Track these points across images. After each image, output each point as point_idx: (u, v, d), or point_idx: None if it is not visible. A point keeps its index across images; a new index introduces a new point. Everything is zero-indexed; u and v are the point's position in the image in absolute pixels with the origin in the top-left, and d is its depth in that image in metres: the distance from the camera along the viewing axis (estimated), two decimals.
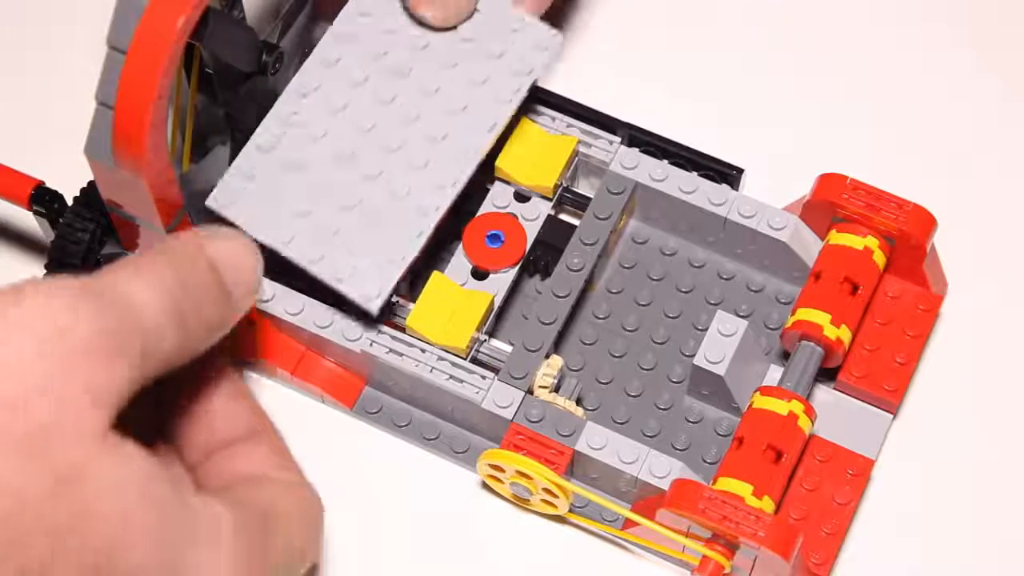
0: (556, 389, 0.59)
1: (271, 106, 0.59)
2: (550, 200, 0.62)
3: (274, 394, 0.62)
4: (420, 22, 0.59)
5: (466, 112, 0.59)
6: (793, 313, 0.59)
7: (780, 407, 0.56)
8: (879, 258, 0.59)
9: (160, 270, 0.47)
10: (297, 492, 0.51)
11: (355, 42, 0.59)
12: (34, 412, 0.43)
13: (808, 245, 0.61)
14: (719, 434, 0.60)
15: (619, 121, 0.63)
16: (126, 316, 0.45)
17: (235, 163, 0.58)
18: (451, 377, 0.58)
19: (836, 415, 0.60)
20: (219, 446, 0.52)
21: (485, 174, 0.63)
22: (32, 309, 0.43)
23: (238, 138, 0.58)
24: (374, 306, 0.56)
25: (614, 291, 0.63)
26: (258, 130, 0.58)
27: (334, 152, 0.58)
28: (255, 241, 0.51)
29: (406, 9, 0.60)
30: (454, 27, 0.59)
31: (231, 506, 0.48)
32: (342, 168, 0.58)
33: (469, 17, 0.60)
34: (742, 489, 0.55)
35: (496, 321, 0.60)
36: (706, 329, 0.61)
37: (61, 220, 0.58)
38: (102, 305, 0.45)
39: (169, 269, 0.47)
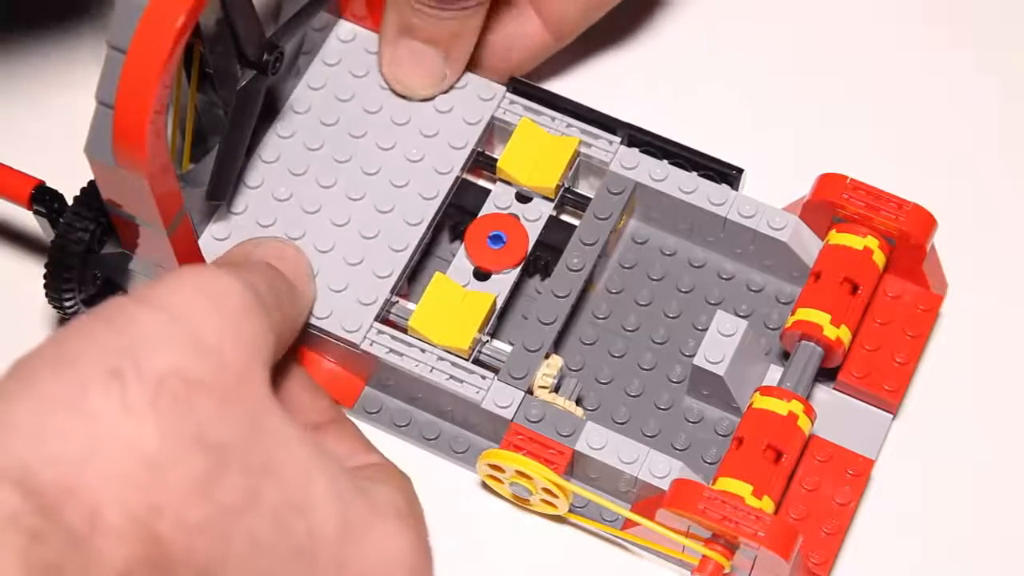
0: (556, 389, 0.59)
1: (267, 107, 0.60)
2: (552, 201, 0.62)
3: None
4: (394, 90, 0.63)
5: (423, 161, 0.62)
6: (793, 313, 0.59)
7: (780, 407, 0.56)
8: (879, 258, 0.59)
9: (248, 266, 0.52)
10: (405, 478, 0.53)
11: (309, 113, 0.63)
12: (228, 360, 0.45)
13: (808, 245, 0.61)
14: (719, 434, 0.60)
15: (619, 121, 0.63)
16: (256, 291, 0.49)
17: (206, 232, 0.60)
18: (451, 377, 0.58)
19: (836, 415, 0.60)
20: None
21: (487, 174, 0.64)
22: (198, 275, 0.47)
23: (232, 138, 0.58)
24: (356, 338, 0.58)
25: (614, 291, 0.63)
26: (234, 202, 0.61)
27: (301, 208, 0.61)
28: None
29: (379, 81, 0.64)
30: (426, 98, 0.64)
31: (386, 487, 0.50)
32: (311, 220, 0.61)
33: (444, 91, 0.63)
34: (742, 489, 0.55)
35: (497, 321, 0.60)
36: (706, 329, 0.61)
37: (61, 220, 0.58)
38: (241, 278, 0.48)
39: (250, 266, 0.52)
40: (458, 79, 0.63)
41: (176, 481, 0.42)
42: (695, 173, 0.62)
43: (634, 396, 0.61)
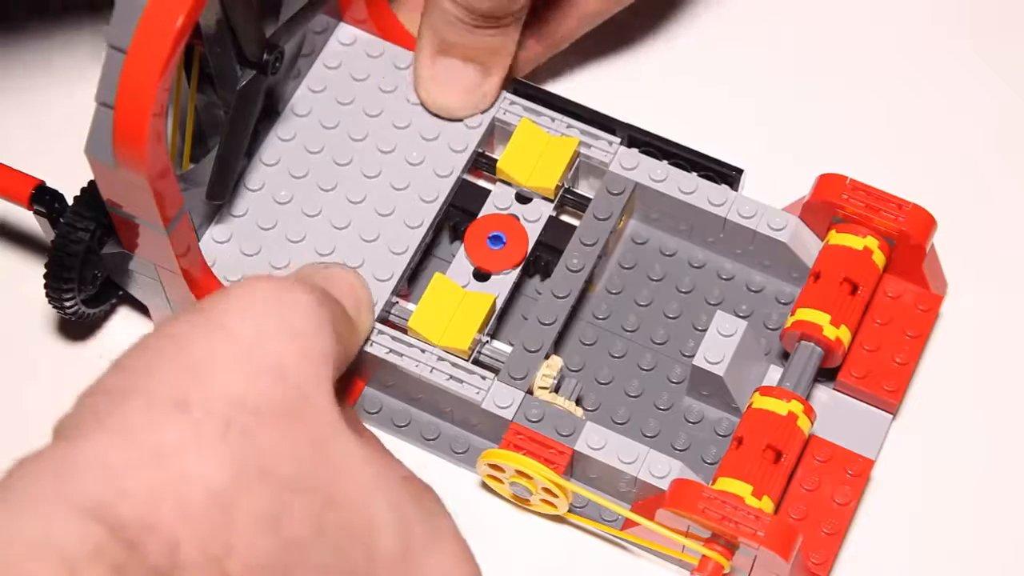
0: (556, 389, 0.59)
1: (266, 107, 0.61)
2: (551, 201, 0.62)
3: None
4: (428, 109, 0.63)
5: (423, 164, 0.62)
6: (793, 313, 0.59)
7: (780, 407, 0.56)
8: (879, 258, 0.59)
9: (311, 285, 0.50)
10: (431, 489, 0.51)
11: (310, 116, 0.63)
12: (292, 382, 0.43)
13: (808, 245, 0.61)
14: (719, 434, 0.60)
15: (619, 121, 0.63)
16: (321, 303, 0.47)
17: (207, 234, 0.61)
18: (451, 377, 0.58)
19: (836, 415, 0.60)
20: None
21: (487, 175, 0.64)
22: (263, 288, 0.45)
23: (231, 138, 0.58)
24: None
25: (614, 291, 0.63)
26: (234, 205, 0.61)
27: (302, 211, 0.61)
28: None
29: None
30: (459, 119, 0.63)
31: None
32: (312, 223, 0.61)
33: (482, 111, 0.63)
34: (742, 489, 0.55)
35: (496, 322, 0.60)
36: (706, 329, 0.61)
37: (61, 220, 0.58)
38: (307, 290, 0.46)
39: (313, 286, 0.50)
40: (497, 97, 0.63)
41: (245, 518, 0.41)
42: (695, 173, 0.62)
43: (634, 396, 0.61)
